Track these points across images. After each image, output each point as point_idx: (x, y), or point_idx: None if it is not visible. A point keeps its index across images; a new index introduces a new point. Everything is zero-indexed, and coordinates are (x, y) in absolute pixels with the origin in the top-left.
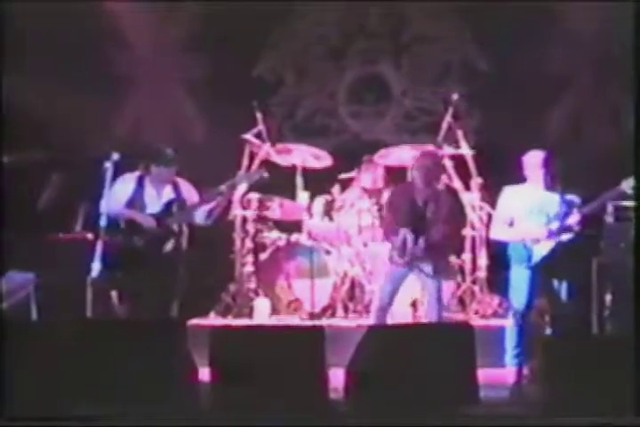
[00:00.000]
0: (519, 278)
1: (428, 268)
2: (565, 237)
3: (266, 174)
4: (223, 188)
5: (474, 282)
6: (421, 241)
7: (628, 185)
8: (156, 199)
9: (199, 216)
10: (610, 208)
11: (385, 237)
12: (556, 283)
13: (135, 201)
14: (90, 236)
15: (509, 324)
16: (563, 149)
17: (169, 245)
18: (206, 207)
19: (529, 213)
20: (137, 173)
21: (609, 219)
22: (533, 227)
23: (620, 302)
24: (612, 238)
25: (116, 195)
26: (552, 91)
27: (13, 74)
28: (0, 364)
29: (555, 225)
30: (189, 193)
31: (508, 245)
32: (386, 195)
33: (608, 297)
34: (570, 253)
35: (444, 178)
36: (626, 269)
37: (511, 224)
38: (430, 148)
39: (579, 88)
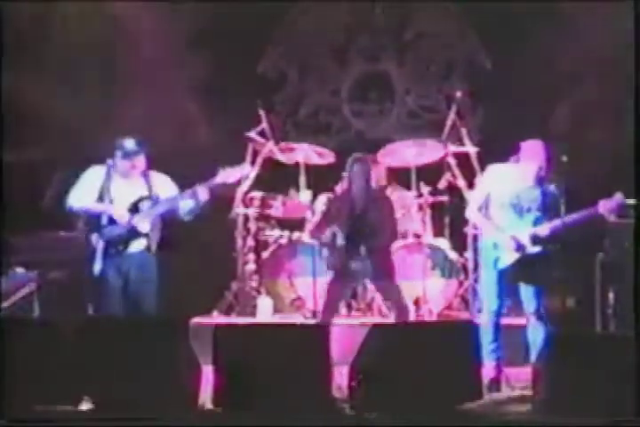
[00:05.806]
0: (490, 280)
1: (367, 272)
2: (534, 249)
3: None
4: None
5: (476, 280)
6: (362, 247)
7: (621, 196)
8: (125, 193)
9: (178, 209)
10: None
11: (312, 235)
12: (558, 281)
13: (104, 195)
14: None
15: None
16: (566, 147)
17: (140, 243)
18: (188, 201)
19: (507, 200)
20: (104, 167)
21: (611, 217)
22: (505, 223)
23: (624, 301)
24: (614, 237)
25: (87, 188)
26: (555, 88)
27: (13, 73)
28: (0, 363)
29: (524, 236)
30: (163, 186)
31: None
32: (388, 193)
33: (611, 295)
34: (569, 251)
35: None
36: (629, 267)
37: (486, 206)
38: (361, 155)
39: (582, 86)
